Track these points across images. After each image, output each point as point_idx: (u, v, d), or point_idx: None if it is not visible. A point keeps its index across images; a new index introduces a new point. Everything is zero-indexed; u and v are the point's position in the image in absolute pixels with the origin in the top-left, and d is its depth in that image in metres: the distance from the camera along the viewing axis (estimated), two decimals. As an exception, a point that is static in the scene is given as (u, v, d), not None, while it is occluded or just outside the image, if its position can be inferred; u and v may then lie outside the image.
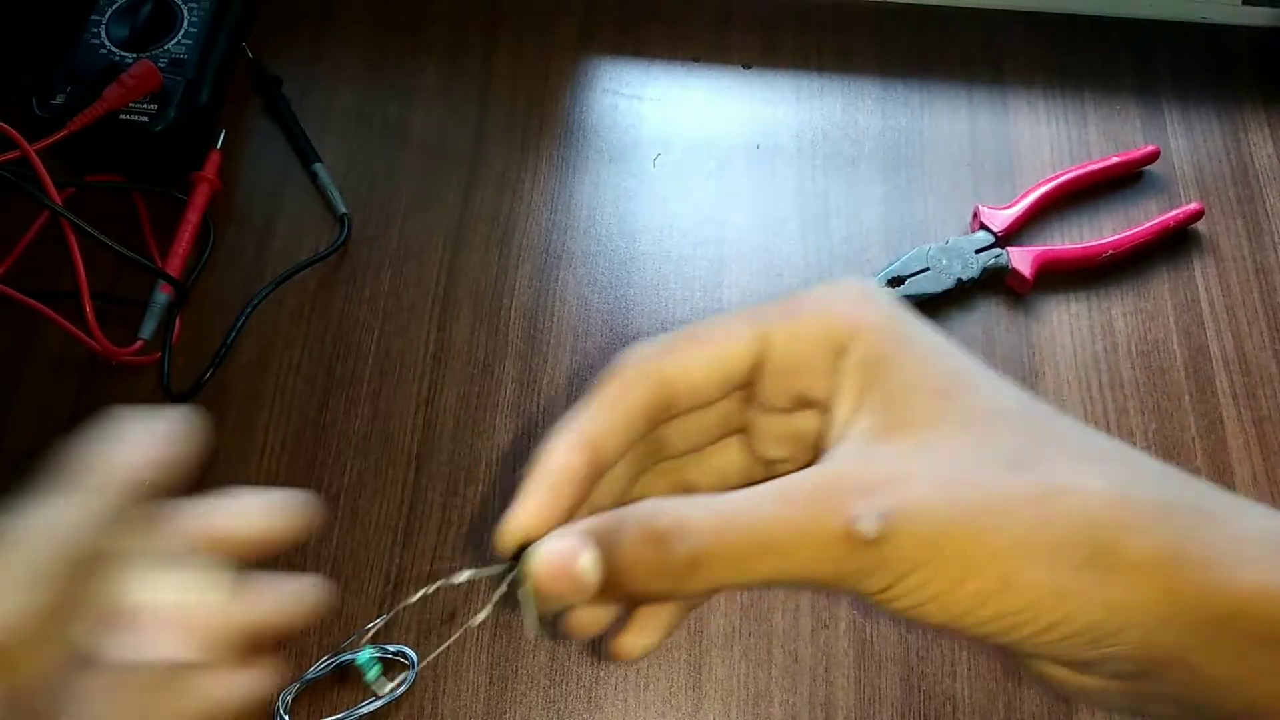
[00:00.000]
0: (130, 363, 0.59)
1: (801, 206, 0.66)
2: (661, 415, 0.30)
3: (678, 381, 0.30)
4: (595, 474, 0.29)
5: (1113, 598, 0.24)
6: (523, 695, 0.52)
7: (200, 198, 0.64)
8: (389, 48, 0.71)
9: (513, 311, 0.62)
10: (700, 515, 0.25)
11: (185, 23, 0.65)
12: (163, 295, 0.61)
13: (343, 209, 0.64)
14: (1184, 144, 0.68)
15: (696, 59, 0.71)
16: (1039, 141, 0.68)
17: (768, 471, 0.33)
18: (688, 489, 0.33)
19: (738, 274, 0.63)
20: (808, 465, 0.28)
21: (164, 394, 0.59)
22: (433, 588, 0.31)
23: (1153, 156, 0.66)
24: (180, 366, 0.60)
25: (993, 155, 0.67)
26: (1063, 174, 0.65)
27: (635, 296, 0.63)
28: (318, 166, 0.66)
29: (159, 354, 0.59)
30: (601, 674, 0.53)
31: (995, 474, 0.25)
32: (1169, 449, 0.58)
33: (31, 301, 0.59)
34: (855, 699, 0.52)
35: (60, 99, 0.62)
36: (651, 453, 0.32)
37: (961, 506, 0.24)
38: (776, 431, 0.32)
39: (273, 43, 0.70)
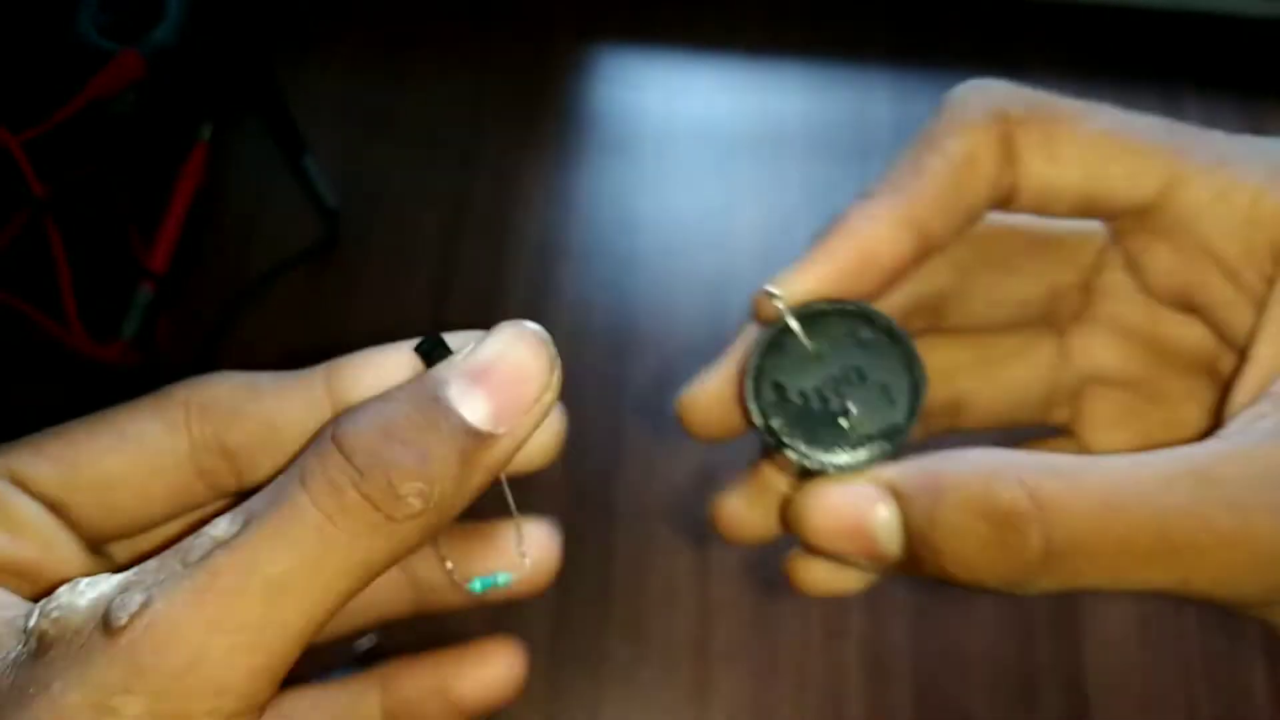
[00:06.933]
0: (113, 362, 0.57)
1: (810, 201, 0.64)
2: (1001, 201, 0.23)
3: (1042, 165, 0.23)
4: (910, 268, 0.23)
5: None
6: (520, 714, 0.50)
7: (185, 191, 0.62)
8: (380, 36, 0.69)
9: (509, 311, 0.60)
10: (1069, 495, 0.19)
11: (171, 11, 0.63)
12: (146, 292, 0.59)
13: (333, 203, 0.62)
14: (1205, 137, 0.66)
15: (701, 47, 0.69)
16: (1056, 133, 0.66)
17: (1074, 403, 0.27)
18: (951, 400, 0.27)
19: (745, 271, 0.61)
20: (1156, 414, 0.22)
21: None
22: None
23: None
24: (165, 366, 0.58)
25: (1008, 148, 0.65)
26: (1081, 167, 0.63)
27: (637, 295, 0.60)
28: (307, 159, 0.63)
29: (142, 353, 0.57)
30: (603, 691, 0.51)
31: None
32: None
33: (11, 299, 0.57)
34: (866, 714, 0.50)
35: (43, 90, 0.60)
36: (926, 307, 0.26)
37: None
38: (1126, 328, 0.25)
39: (261, 32, 0.68)
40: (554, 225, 0.63)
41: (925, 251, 0.23)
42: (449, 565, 0.24)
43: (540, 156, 0.65)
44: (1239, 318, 0.22)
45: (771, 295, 0.24)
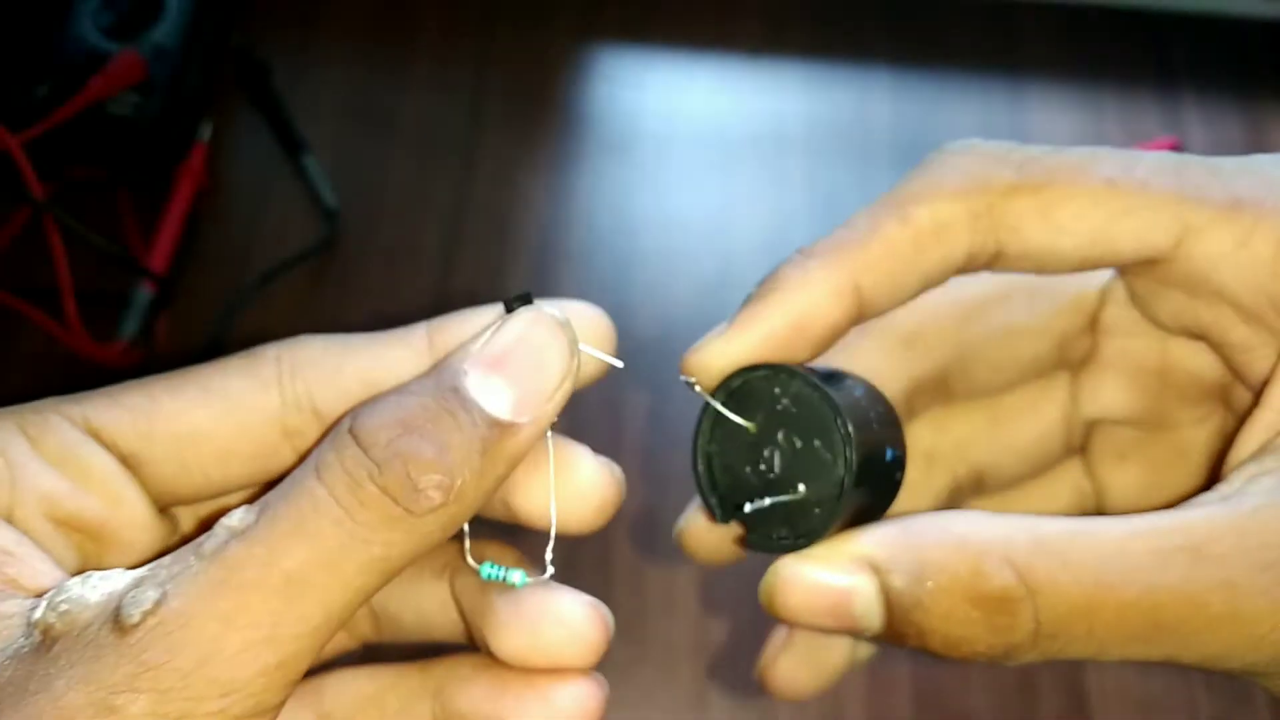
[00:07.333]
0: (113, 363, 0.57)
1: (811, 200, 0.63)
2: (985, 264, 0.23)
3: (1039, 231, 0.22)
4: (844, 331, 0.23)
5: None
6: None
7: (185, 192, 0.61)
8: (380, 35, 0.69)
9: (509, 311, 0.60)
10: (1060, 575, 0.19)
11: (171, 11, 0.63)
12: (146, 293, 0.59)
13: (333, 203, 0.62)
14: (1203, 137, 0.66)
15: (701, 47, 0.69)
16: (1055, 133, 0.66)
17: (1085, 437, 0.26)
18: (972, 476, 0.26)
19: (745, 271, 0.61)
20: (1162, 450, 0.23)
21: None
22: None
23: (1172, 149, 0.64)
24: (164, 367, 0.58)
25: (1008, 148, 0.65)
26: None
27: (637, 296, 0.60)
28: (307, 159, 0.63)
29: (143, 354, 0.57)
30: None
31: None
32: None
33: (11, 300, 0.57)
34: (866, 715, 0.50)
35: (43, 90, 0.60)
36: (927, 388, 0.25)
37: None
38: (1135, 363, 0.25)
39: (260, 31, 0.68)
40: (554, 225, 0.62)
41: (859, 317, 0.23)
42: (467, 544, 0.23)
43: (540, 156, 0.65)
44: (1258, 360, 0.22)
45: (690, 384, 0.23)
